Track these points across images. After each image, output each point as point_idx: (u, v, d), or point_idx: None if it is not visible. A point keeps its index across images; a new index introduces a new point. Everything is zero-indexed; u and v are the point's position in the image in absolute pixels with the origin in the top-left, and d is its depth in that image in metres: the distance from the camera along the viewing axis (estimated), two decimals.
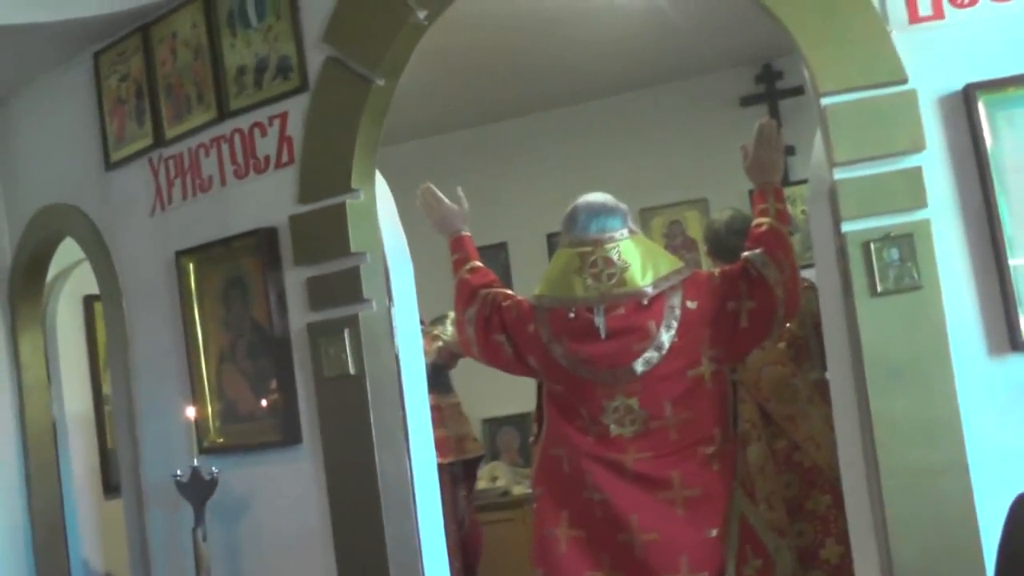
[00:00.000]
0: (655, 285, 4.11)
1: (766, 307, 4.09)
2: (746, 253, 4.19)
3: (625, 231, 4.23)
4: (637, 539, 4.08)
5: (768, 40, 4.13)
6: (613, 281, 4.13)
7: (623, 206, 4.30)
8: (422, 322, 6.12)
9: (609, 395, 4.14)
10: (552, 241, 7.64)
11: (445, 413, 6.19)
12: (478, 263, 4.62)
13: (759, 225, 4.22)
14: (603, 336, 4.11)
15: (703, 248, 5.54)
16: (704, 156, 7.39)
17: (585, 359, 4.16)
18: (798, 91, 7.12)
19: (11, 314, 6.04)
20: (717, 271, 4.29)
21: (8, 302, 6.04)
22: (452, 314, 5.76)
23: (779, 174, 4.33)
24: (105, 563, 6.21)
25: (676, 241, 7.47)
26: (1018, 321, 3.51)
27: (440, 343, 6.28)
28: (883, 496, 3.63)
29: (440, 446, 5.36)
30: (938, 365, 3.57)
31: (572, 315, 4.17)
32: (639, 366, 4.07)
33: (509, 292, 4.56)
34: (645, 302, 4.10)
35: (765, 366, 4.94)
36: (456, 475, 6.32)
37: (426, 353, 6.31)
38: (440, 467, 5.04)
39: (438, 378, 6.24)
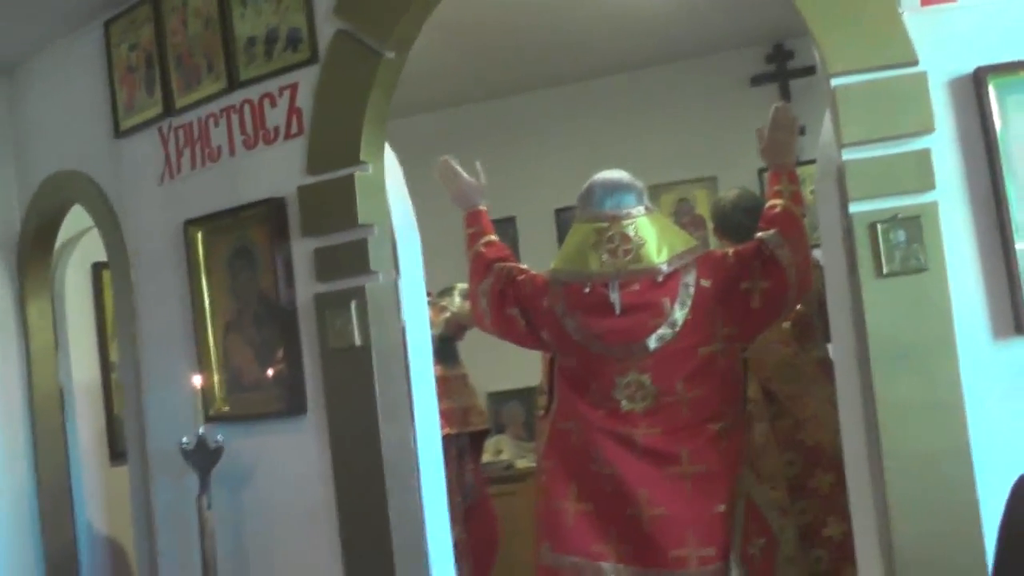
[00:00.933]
0: (670, 263, 4.14)
1: (779, 288, 4.12)
2: (760, 234, 4.20)
3: (641, 208, 4.26)
4: (645, 513, 4.10)
5: (779, 20, 4.13)
6: (629, 257, 4.16)
7: (639, 183, 4.33)
8: (429, 294, 6.15)
9: (621, 370, 4.17)
10: (560, 216, 7.66)
11: (451, 385, 6.19)
12: (493, 237, 4.65)
13: (773, 207, 4.24)
14: (617, 312, 4.13)
15: (710, 226, 5.53)
16: (714, 135, 7.41)
17: (599, 334, 4.18)
18: (809, 71, 7.09)
19: (19, 281, 6.05)
20: (731, 251, 4.31)
21: (16, 268, 6.06)
22: (460, 286, 5.81)
23: (793, 157, 4.36)
24: (110, 529, 6.24)
25: (685, 219, 7.46)
26: (1022, 305, 3.51)
27: (448, 314, 6.28)
28: (885, 477, 3.63)
29: (446, 417, 5.36)
30: (942, 347, 3.57)
31: (587, 290, 4.20)
32: (652, 342, 4.10)
33: (524, 267, 4.59)
34: (660, 279, 4.13)
35: (769, 345, 4.94)
36: (462, 447, 6.32)
37: (433, 324, 6.30)
38: (446, 438, 5.05)
39: (445, 350, 6.24)
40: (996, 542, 1.16)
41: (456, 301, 6.26)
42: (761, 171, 7.26)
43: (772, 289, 4.13)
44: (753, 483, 4.31)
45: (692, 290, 4.15)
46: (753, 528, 4.21)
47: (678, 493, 4.12)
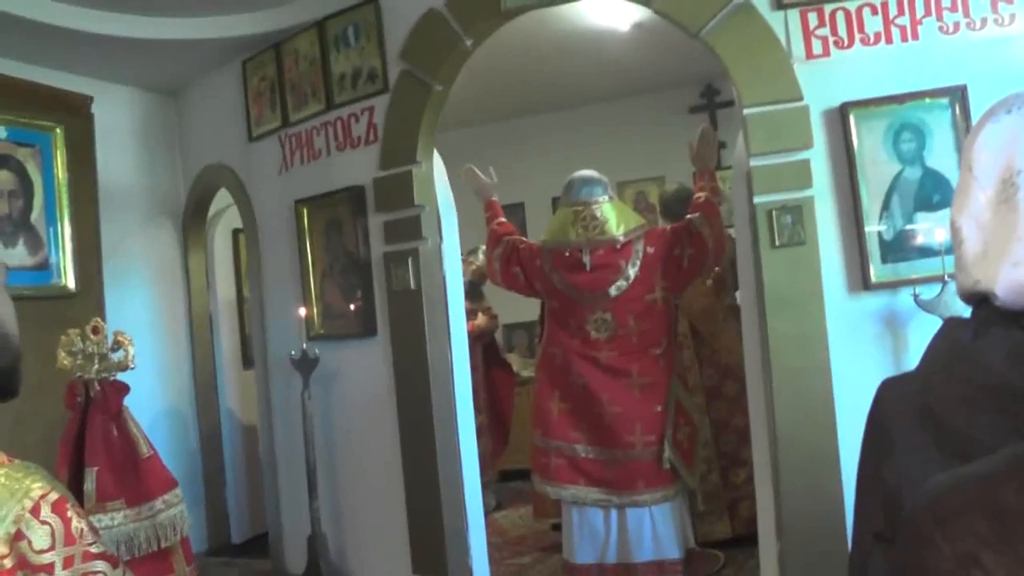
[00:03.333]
0: (626, 235, 4.20)
1: (701, 254, 4.16)
2: (689, 215, 4.23)
3: (606, 196, 4.32)
4: (606, 411, 4.17)
5: (710, 66, 4.11)
6: (596, 231, 4.21)
7: (605, 179, 4.40)
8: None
9: (591, 310, 4.22)
10: (556, 202, 7.63)
11: (478, 312, 6.26)
12: (503, 219, 4.72)
13: (698, 197, 4.28)
14: (588, 269, 4.19)
15: (658, 210, 5.54)
16: (662, 147, 7.35)
17: (575, 285, 4.22)
18: (730, 103, 7.04)
19: (184, 239, 6.07)
20: (669, 228, 4.33)
21: (182, 231, 6.07)
22: (483, 246, 5.91)
23: (714, 162, 4.40)
24: (243, 414, 6.28)
25: (641, 206, 7.45)
26: (869, 270, 3.52)
27: (474, 267, 6.31)
28: (773, 386, 3.66)
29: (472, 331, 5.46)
30: (814, 298, 3.60)
31: (567, 254, 4.26)
32: (612, 291, 4.16)
33: (524, 239, 4.66)
34: (618, 246, 4.18)
35: (696, 297, 4.96)
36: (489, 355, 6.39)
37: (464, 273, 6.37)
38: (472, 345, 5.09)
39: (474, 291, 6.30)
40: (864, 432, 1.10)
41: (480, 257, 6.31)
42: (693, 173, 7.27)
43: (696, 255, 4.17)
44: (681, 390, 4.33)
45: (641, 255, 4.18)
46: (681, 421, 4.23)
47: (630, 397, 4.17)
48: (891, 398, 1.07)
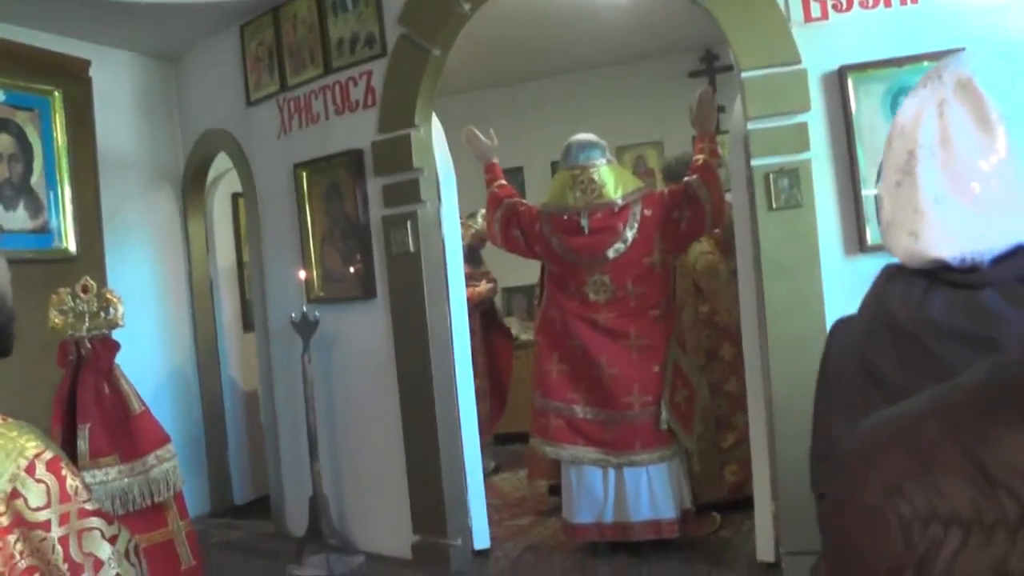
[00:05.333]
0: (623, 198, 4.20)
1: (699, 216, 4.16)
2: (687, 178, 4.22)
3: (604, 160, 4.31)
4: (604, 372, 4.19)
5: (710, 32, 4.09)
6: (595, 194, 4.22)
7: (603, 142, 4.41)
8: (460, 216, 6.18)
9: (589, 273, 4.24)
10: (555, 167, 7.60)
11: (476, 278, 6.25)
12: (503, 182, 4.71)
13: (697, 160, 4.27)
14: (586, 232, 4.18)
15: (659, 176, 5.54)
16: (662, 111, 7.33)
17: (573, 248, 4.23)
18: (730, 68, 6.98)
19: (183, 204, 6.06)
20: (667, 190, 4.33)
21: (182, 196, 6.06)
22: (482, 210, 5.92)
23: (713, 126, 4.39)
24: (244, 377, 6.31)
25: (640, 170, 7.43)
26: (866, 232, 3.52)
27: (473, 230, 6.31)
28: (769, 350, 3.68)
29: (472, 299, 5.44)
30: (810, 261, 3.61)
31: (565, 217, 4.27)
32: (611, 253, 4.17)
33: (524, 201, 4.67)
34: (616, 209, 4.17)
35: (702, 254, 4.96)
36: (488, 321, 6.39)
37: (463, 237, 6.36)
38: (472, 310, 5.10)
39: (473, 255, 6.30)
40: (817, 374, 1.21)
41: (479, 221, 6.30)
42: (694, 137, 7.24)
43: (694, 217, 4.17)
44: (680, 353, 4.34)
45: (639, 217, 4.18)
46: (679, 384, 4.25)
47: (627, 358, 4.19)
48: (836, 343, 1.24)
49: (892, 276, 1.10)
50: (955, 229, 1.01)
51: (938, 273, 1.04)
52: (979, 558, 0.65)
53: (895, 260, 1.10)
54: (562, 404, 4.31)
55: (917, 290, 1.04)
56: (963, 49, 1.07)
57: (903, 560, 0.69)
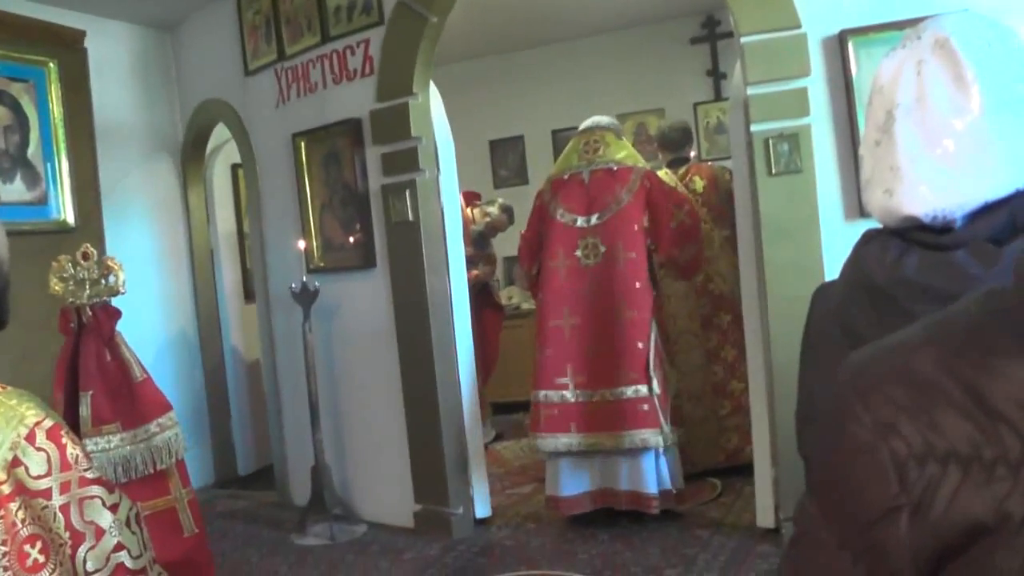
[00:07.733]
0: (622, 162, 4.26)
1: (694, 229, 4.45)
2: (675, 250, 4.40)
3: (612, 132, 4.44)
4: (591, 346, 4.36)
5: None
6: (598, 155, 4.40)
7: (617, 124, 4.66)
8: (477, 197, 6.27)
9: (581, 235, 4.34)
10: (556, 136, 7.61)
11: (476, 259, 6.25)
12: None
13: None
14: (587, 184, 4.38)
15: (656, 144, 5.53)
16: (663, 79, 7.30)
17: (570, 209, 4.41)
18: (731, 34, 6.94)
19: (183, 175, 6.05)
20: (671, 203, 4.38)
21: (181, 166, 6.04)
22: (500, 201, 6.26)
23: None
24: (245, 347, 6.32)
25: (641, 137, 7.38)
26: None
27: (488, 219, 6.32)
28: (768, 316, 3.67)
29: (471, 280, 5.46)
30: (810, 226, 3.59)
31: (566, 177, 4.48)
32: (606, 214, 4.24)
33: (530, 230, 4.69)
34: (615, 168, 4.35)
35: None
36: (483, 294, 6.39)
37: (476, 222, 6.38)
38: (471, 289, 5.09)
39: (482, 240, 6.33)
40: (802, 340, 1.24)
41: (495, 212, 6.32)
42: (695, 104, 7.22)
43: (689, 230, 4.40)
44: (658, 334, 4.33)
45: (637, 184, 4.29)
46: (658, 361, 4.25)
47: (614, 329, 4.29)
48: (818, 308, 1.30)
49: (869, 238, 1.13)
50: (927, 186, 1.03)
51: (912, 234, 1.06)
52: (979, 497, 0.63)
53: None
54: (552, 391, 4.32)
55: (893, 251, 1.07)
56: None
57: (898, 502, 0.67)
